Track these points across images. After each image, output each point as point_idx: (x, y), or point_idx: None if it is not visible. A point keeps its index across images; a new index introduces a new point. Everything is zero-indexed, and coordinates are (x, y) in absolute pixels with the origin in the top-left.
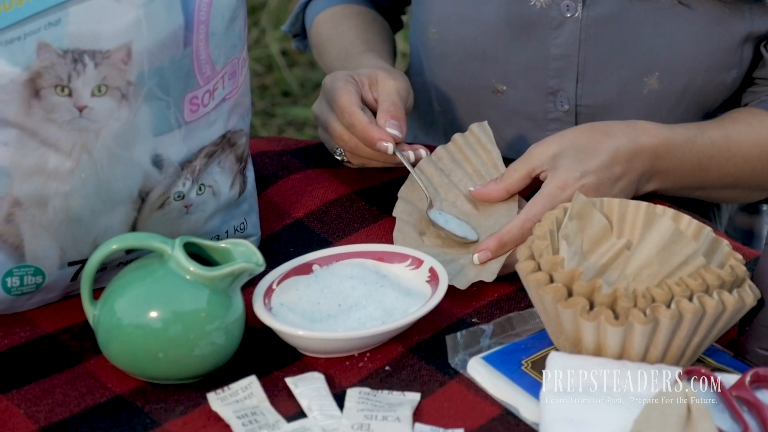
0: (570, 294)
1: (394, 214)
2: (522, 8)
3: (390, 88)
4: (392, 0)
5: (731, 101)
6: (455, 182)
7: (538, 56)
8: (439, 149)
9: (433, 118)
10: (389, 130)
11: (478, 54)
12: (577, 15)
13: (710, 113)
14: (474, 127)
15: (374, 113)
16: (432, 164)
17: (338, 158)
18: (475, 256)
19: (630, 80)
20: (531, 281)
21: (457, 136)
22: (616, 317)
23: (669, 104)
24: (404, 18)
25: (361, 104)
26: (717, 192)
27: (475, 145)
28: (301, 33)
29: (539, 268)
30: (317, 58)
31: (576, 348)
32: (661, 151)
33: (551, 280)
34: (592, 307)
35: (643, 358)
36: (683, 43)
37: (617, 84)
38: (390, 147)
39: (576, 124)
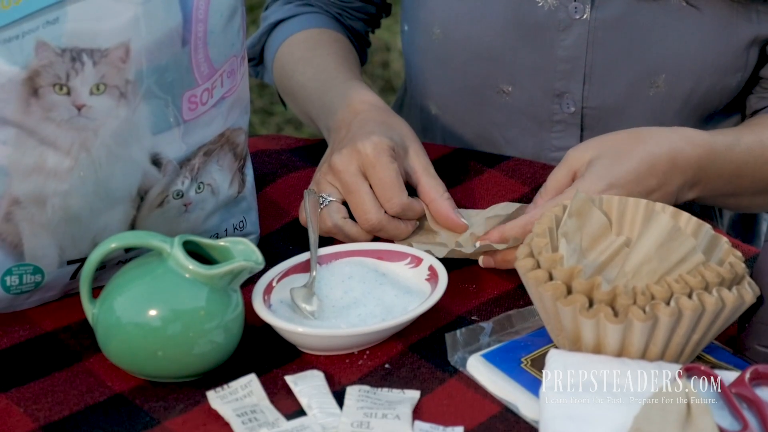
0: (569, 291)
1: None
2: (529, 10)
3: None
4: (365, 24)
5: (733, 105)
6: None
7: (545, 58)
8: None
9: (429, 122)
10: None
11: (484, 54)
12: (585, 17)
13: (712, 116)
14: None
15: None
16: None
17: (322, 200)
18: (480, 258)
19: (637, 82)
20: (530, 279)
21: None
22: (616, 314)
23: (675, 107)
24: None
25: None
26: (748, 199)
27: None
28: (257, 57)
29: (538, 266)
30: (280, 77)
31: (576, 345)
32: (704, 162)
33: (550, 278)
34: (591, 304)
35: (643, 356)
36: (691, 45)
37: (624, 86)
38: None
39: (581, 126)
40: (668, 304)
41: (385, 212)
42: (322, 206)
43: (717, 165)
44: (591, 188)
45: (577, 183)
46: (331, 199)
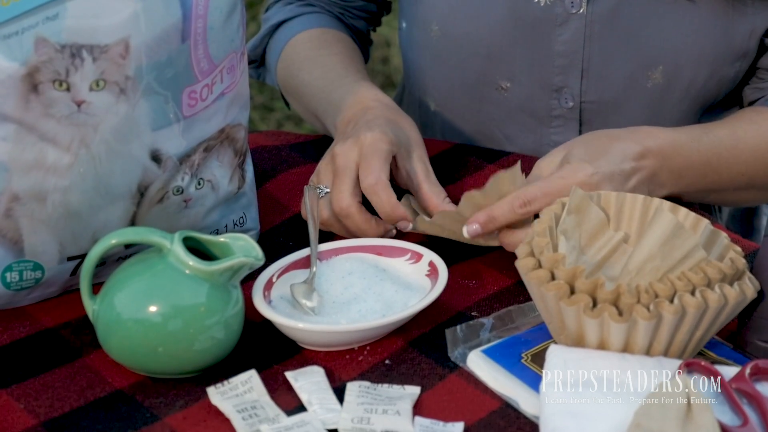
0: (572, 291)
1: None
2: (526, 6)
3: (425, 169)
4: (367, 22)
5: (732, 95)
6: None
7: (543, 53)
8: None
9: (428, 118)
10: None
11: (482, 51)
12: (581, 11)
13: (711, 108)
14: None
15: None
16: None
17: (319, 191)
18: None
19: (634, 75)
20: (532, 278)
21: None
22: (620, 313)
23: (673, 98)
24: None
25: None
26: (732, 194)
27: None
28: (259, 59)
29: (539, 266)
30: (284, 77)
31: (578, 345)
32: (668, 152)
33: (552, 278)
34: (594, 304)
35: (647, 354)
36: (687, 36)
37: (622, 79)
38: (409, 226)
39: (580, 120)
40: (672, 301)
41: (359, 202)
42: (320, 199)
43: (683, 155)
44: (579, 173)
45: (560, 168)
46: (328, 190)
